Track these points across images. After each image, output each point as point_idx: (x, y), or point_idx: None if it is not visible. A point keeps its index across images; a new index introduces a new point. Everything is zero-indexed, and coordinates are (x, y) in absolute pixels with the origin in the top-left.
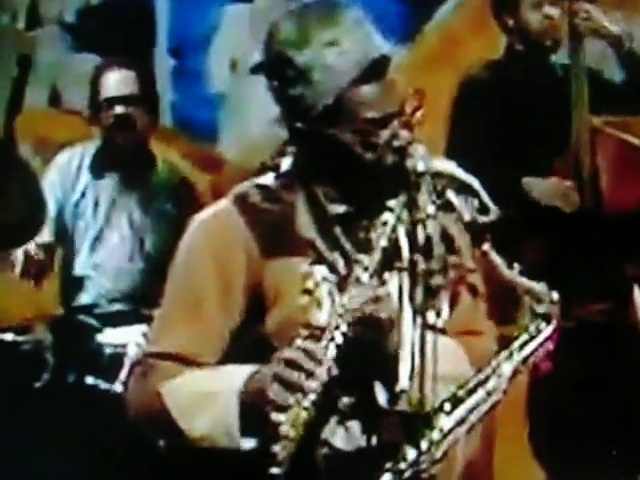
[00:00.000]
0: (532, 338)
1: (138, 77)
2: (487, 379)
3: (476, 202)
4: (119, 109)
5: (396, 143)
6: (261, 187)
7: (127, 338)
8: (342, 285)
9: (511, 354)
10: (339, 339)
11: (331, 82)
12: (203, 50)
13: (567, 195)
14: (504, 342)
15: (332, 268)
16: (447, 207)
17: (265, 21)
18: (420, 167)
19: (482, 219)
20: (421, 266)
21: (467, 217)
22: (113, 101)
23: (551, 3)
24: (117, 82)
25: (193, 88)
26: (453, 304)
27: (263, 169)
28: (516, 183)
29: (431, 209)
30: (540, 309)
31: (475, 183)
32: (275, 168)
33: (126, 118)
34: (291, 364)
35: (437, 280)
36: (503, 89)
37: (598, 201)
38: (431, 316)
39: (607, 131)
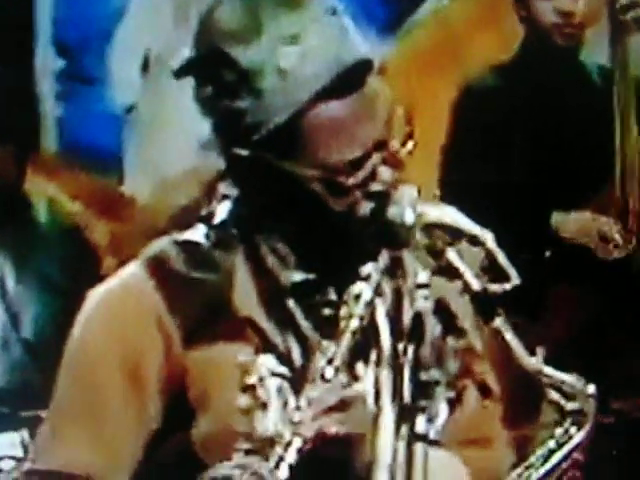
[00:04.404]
0: (559, 446)
1: None
2: None
3: (485, 263)
4: None
5: (375, 187)
6: (186, 245)
7: (0, 449)
8: (298, 381)
9: (529, 468)
10: (291, 458)
11: (286, 94)
12: (102, 45)
13: (607, 235)
14: (520, 450)
15: (283, 358)
16: (447, 272)
17: (192, 2)
18: (408, 218)
19: (496, 288)
20: (408, 355)
21: (476, 286)
22: None
23: None
24: None
25: (88, 100)
26: (454, 404)
27: (188, 218)
28: (536, 228)
29: (423, 276)
30: (570, 407)
31: (489, 238)
32: (207, 218)
33: None
34: None
35: (431, 374)
36: (519, 99)
37: None
38: (421, 423)
39: None
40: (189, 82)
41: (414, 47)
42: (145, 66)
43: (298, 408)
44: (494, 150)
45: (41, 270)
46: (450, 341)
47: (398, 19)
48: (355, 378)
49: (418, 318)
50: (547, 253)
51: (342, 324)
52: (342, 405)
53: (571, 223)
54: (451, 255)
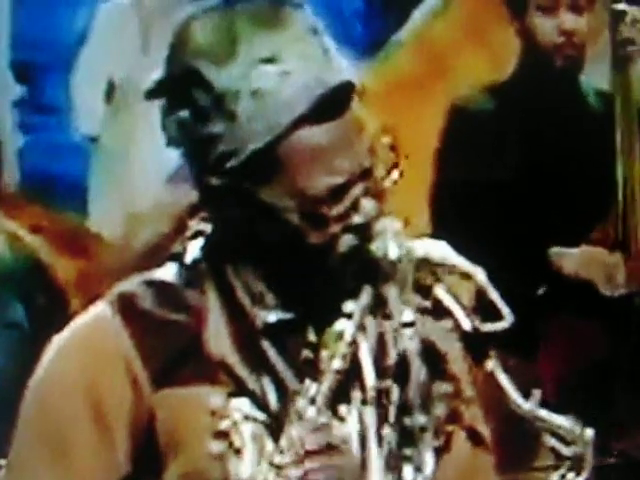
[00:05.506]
0: None
1: None
2: None
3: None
4: None
5: (357, 219)
6: (156, 284)
7: None
8: (274, 425)
9: None
10: None
11: (264, 118)
12: (64, 70)
13: (610, 273)
14: None
15: (258, 401)
16: (435, 310)
17: (163, 23)
18: (392, 253)
19: (488, 328)
20: (393, 398)
21: (466, 325)
22: None
23: (572, 8)
24: None
25: (49, 130)
26: (442, 452)
27: (158, 255)
28: (532, 262)
29: (408, 315)
30: (567, 452)
31: (480, 274)
32: (179, 256)
33: None
34: None
35: (416, 419)
36: (512, 124)
37: None
38: (408, 471)
39: None
40: (156, 112)
41: (396, 69)
42: (110, 91)
43: (281, 451)
44: (486, 178)
45: (3, 311)
46: (437, 384)
47: (379, 40)
48: (339, 420)
49: (403, 359)
50: (541, 289)
51: (323, 363)
52: (327, 449)
53: (573, 258)
54: (440, 292)
